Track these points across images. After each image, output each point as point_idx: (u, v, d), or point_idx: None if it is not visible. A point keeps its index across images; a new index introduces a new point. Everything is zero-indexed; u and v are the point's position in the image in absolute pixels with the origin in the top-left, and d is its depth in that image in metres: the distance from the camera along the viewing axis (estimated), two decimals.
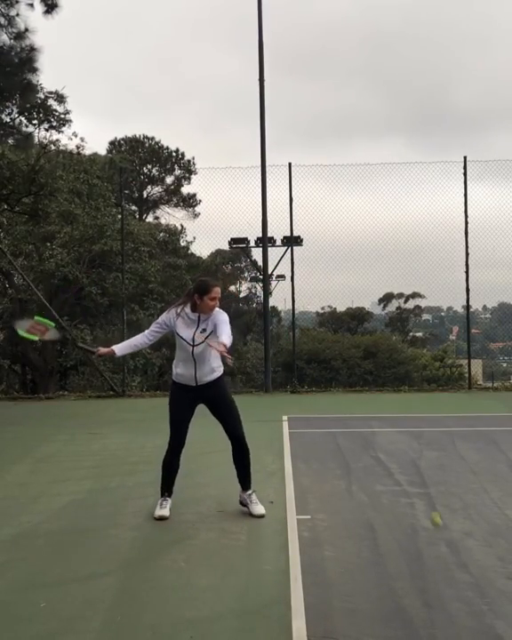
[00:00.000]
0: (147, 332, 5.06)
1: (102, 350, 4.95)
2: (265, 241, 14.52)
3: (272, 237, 15.09)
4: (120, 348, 5.00)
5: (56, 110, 14.56)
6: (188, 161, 36.34)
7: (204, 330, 4.91)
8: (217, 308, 4.94)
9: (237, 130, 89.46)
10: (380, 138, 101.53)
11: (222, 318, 4.90)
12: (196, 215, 35.81)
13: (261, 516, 4.98)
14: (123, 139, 35.45)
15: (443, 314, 45.17)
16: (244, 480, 5.20)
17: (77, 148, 16.90)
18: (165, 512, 5.01)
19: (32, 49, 10.94)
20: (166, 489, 5.12)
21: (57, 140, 15.22)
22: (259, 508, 5.06)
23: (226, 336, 4.70)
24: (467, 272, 13.77)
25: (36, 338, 5.10)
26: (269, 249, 14.71)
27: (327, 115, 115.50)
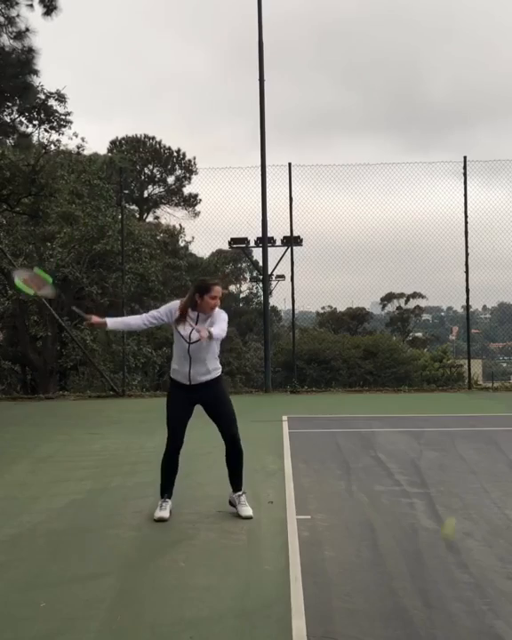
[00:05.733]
0: (145, 316, 5.03)
1: (95, 319, 4.83)
2: (265, 241, 14.53)
3: (272, 237, 15.10)
4: (113, 322, 4.97)
5: (57, 111, 14.54)
6: (189, 161, 36.40)
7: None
8: (218, 309, 4.93)
9: (218, 126, 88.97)
10: (359, 135, 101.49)
11: (222, 317, 4.92)
12: (196, 214, 35.85)
13: (249, 518, 4.92)
14: (123, 138, 35.51)
15: (443, 314, 45.20)
16: (236, 481, 5.15)
17: (78, 148, 16.91)
18: (165, 514, 4.97)
19: (31, 50, 10.93)
20: (166, 490, 5.08)
21: (57, 141, 15.21)
22: (247, 510, 4.99)
23: (218, 328, 4.76)
24: (467, 272, 13.78)
25: (32, 292, 4.88)
26: (269, 249, 14.73)
27: (306, 111, 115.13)
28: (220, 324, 4.83)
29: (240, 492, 5.11)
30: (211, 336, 4.65)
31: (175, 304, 5.00)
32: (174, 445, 5.04)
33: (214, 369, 5.03)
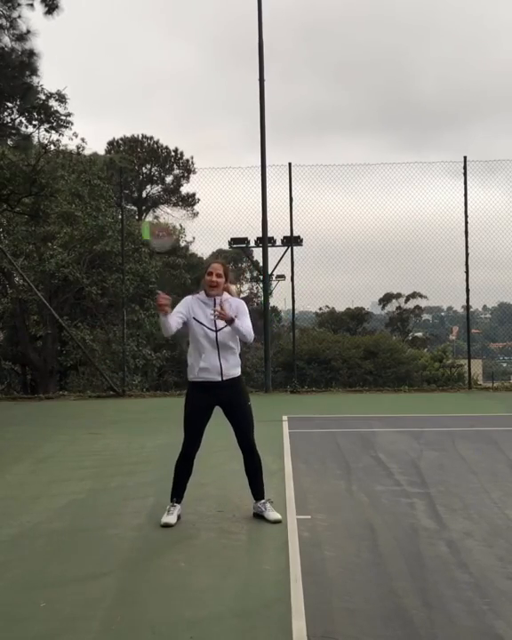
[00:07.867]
0: (173, 314, 4.74)
1: (163, 300, 4.62)
2: (265, 241, 14.52)
3: (272, 237, 15.10)
4: (164, 318, 4.67)
5: (57, 111, 14.53)
6: (187, 160, 36.38)
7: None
8: (236, 299, 4.91)
9: (211, 125, 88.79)
10: (352, 134, 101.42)
11: (243, 309, 4.87)
12: (194, 214, 35.83)
13: (278, 522, 4.80)
14: (121, 138, 35.51)
15: (443, 314, 45.18)
16: (259, 488, 5.01)
17: (78, 148, 16.90)
18: (172, 519, 4.82)
19: (33, 53, 10.92)
20: (176, 494, 4.93)
21: (57, 141, 15.20)
22: (275, 514, 4.89)
23: (244, 323, 4.75)
24: (467, 272, 13.78)
25: (148, 238, 4.94)
26: (269, 249, 14.72)
27: (299, 111, 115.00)
28: (243, 319, 4.78)
29: (264, 500, 4.98)
30: (232, 321, 4.63)
31: (188, 298, 4.89)
32: (192, 451, 4.90)
33: (238, 363, 4.94)
